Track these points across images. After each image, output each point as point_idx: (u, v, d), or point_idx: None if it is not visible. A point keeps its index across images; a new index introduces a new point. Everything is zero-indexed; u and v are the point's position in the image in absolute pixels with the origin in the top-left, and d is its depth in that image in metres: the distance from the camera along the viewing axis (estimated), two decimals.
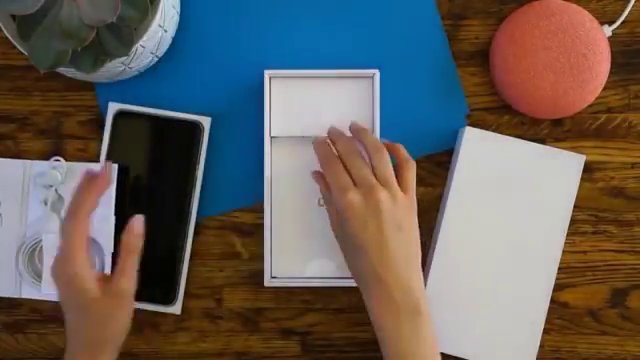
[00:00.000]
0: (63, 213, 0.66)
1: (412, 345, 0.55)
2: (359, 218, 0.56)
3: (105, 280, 0.55)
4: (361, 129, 0.61)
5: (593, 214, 0.68)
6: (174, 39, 0.67)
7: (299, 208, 0.65)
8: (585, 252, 0.68)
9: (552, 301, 0.66)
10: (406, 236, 0.57)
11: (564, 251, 0.65)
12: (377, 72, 0.65)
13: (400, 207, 0.57)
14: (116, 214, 0.66)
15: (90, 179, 0.55)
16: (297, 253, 0.65)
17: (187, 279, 0.67)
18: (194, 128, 0.67)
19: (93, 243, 0.66)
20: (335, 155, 0.60)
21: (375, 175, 0.58)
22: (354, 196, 0.56)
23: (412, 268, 0.57)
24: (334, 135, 0.61)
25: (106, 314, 0.54)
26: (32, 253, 0.66)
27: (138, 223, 0.57)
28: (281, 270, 0.66)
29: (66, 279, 0.54)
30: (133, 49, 0.58)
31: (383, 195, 0.56)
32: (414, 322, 0.55)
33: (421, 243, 0.66)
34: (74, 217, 0.55)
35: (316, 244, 0.65)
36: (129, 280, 0.55)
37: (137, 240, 0.56)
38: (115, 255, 0.66)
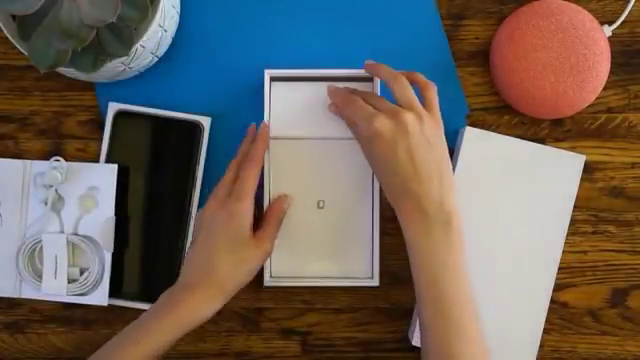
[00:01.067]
0: (63, 213, 0.66)
1: (441, 253, 0.56)
2: (389, 141, 0.56)
3: (258, 234, 0.60)
4: (375, 64, 0.62)
5: (593, 214, 0.68)
6: (174, 39, 0.67)
7: (299, 209, 0.65)
8: (585, 252, 0.68)
9: (552, 301, 0.66)
10: (436, 152, 0.58)
11: (564, 251, 0.65)
12: None
13: (427, 125, 0.58)
14: (116, 214, 0.66)
15: (255, 131, 0.64)
16: (297, 254, 0.65)
17: None
18: (194, 128, 0.67)
19: (93, 243, 0.66)
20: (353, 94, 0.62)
21: (398, 101, 0.59)
22: (382, 121, 0.57)
23: (445, 183, 0.57)
24: (339, 89, 0.64)
25: (244, 260, 0.59)
26: (32, 253, 0.66)
27: (285, 200, 0.64)
28: (281, 270, 0.65)
29: (230, 213, 0.59)
30: (133, 49, 0.58)
31: (409, 116, 0.57)
32: (445, 232, 0.56)
33: None
34: (252, 160, 0.61)
35: (316, 245, 0.65)
36: (271, 242, 0.61)
37: (282, 212, 0.63)
38: (114, 255, 0.66)
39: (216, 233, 0.59)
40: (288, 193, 0.65)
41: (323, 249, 0.65)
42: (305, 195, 0.65)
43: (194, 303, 0.57)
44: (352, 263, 0.65)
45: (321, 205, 0.64)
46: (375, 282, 0.65)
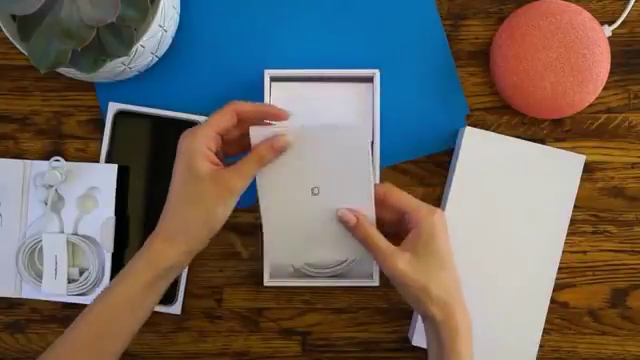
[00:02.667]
0: (63, 213, 0.66)
1: None
2: (446, 232, 0.56)
3: (219, 169, 0.54)
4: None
5: (593, 214, 0.68)
6: (174, 39, 0.67)
7: (292, 196, 0.60)
8: (585, 252, 0.68)
9: (552, 301, 0.66)
10: None
11: (564, 251, 0.66)
12: (377, 72, 0.65)
13: None
14: (116, 214, 0.66)
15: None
16: (294, 243, 0.61)
17: (187, 279, 0.67)
18: None
19: (93, 243, 0.66)
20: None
21: (411, 203, 0.57)
22: (439, 211, 0.56)
23: None
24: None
25: (203, 198, 0.54)
26: (32, 253, 0.66)
27: (283, 139, 0.55)
28: (279, 261, 0.63)
29: (183, 149, 0.54)
30: (133, 49, 0.58)
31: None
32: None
33: None
34: (226, 106, 0.55)
35: (313, 233, 0.61)
36: (242, 179, 0.54)
37: (269, 151, 0.55)
38: (114, 255, 0.66)
39: (173, 174, 0.55)
40: (280, 174, 0.58)
41: (320, 237, 0.61)
42: (298, 181, 0.59)
43: (157, 247, 0.55)
44: (350, 250, 0.60)
45: (315, 192, 0.59)
46: (375, 282, 0.65)
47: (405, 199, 0.57)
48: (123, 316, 0.55)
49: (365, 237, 0.56)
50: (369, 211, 0.58)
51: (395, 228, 0.58)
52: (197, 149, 0.53)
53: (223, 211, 0.54)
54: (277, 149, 0.55)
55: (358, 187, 0.59)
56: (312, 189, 0.59)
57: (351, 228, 0.57)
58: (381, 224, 0.58)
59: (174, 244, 0.54)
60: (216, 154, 0.55)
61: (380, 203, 0.57)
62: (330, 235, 0.60)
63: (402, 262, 0.54)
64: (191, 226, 0.54)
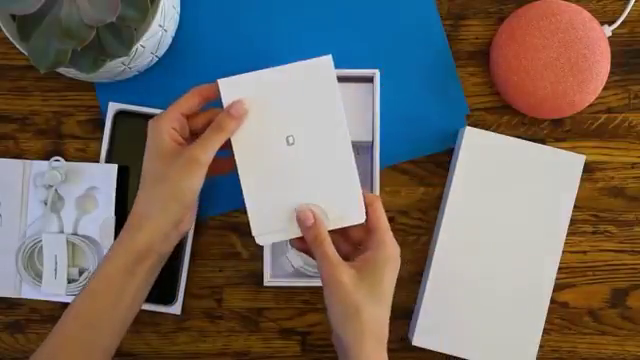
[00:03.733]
0: (63, 213, 0.66)
1: None
2: (396, 273, 0.55)
3: (183, 146, 0.54)
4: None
5: (593, 214, 0.68)
6: (174, 39, 0.67)
7: (266, 147, 0.56)
8: (585, 252, 0.68)
9: (552, 301, 0.66)
10: None
11: (564, 251, 0.65)
12: (377, 72, 0.65)
13: None
14: (116, 214, 0.66)
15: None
16: (273, 199, 0.56)
17: (187, 279, 0.67)
18: None
19: (93, 243, 0.66)
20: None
21: (382, 225, 0.56)
22: (399, 252, 0.55)
23: None
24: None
25: (168, 175, 0.53)
26: (32, 253, 0.66)
27: (239, 106, 0.54)
28: (263, 222, 0.56)
29: (149, 132, 0.55)
30: (133, 49, 0.58)
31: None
32: None
33: (422, 243, 0.66)
34: (191, 90, 0.56)
35: (291, 186, 0.56)
36: (204, 150, 0.53)
37: (227, 120, 0.53)
38: None
39: (144, 158, 0.56)
40: (252, 129, 0.55)
41: (300, 190, 0.56)
42: (272, 132, 0.56)
43: (129, 231, 0.54)
44: (334, 201, 0.56)
45: (291, 141, 0.56)
46: None
47: (383, 218, 0.55)
48: (106, 305, 0.54)
49: (315, 240, 0.54)
50: (347, 154, 0.55)
51: (350, 244, 0.57)
52: (161, 130, 0.54)
53: (190, 184, 0.53)
54: (236, 117, 0.54)
55: (332, 129, 0.56)
56: (287, 138, 0.55)
57: (305, 228, 0.54)
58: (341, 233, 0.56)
59: (145, 226, 0.54)
60: (183, 136, 0.55)
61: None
62: (310, 188, 0.56)
63: (347, 276, 0.52)
64: (160, 205, 0.54)
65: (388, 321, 0.54)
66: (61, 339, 0.54)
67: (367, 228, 0.55)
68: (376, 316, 0.53)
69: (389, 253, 0.54)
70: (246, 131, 0.55)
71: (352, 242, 0.56)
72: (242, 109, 0.54)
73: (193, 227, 0.67)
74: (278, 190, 0.56)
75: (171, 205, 0.53)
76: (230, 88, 0.55)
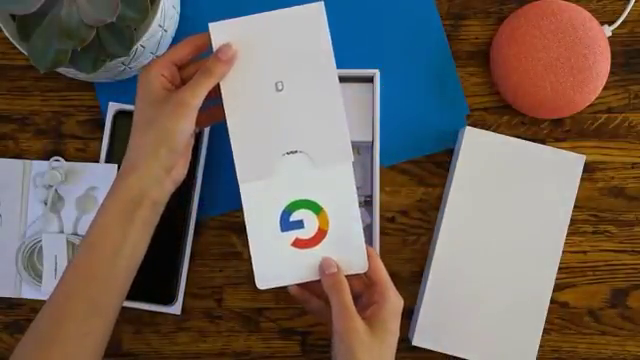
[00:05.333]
0: (63, 213, 0.66)
1: None
2: (398, 323, 0.55)
3: (172, 90, 0.54)
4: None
5: (593, 214, 0.68)
6: (174, 39, 0.67)
7: (254, 93, 0.55)
8: (585, 252, 0.68)
9: (552, 301, 0.66)
10: None
11: (564, 251, 0.65)
12: (377, 72, 0.65)
13: None
14: None
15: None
16: (261, 148, 0.55)
17: (187, 279, 0.67)
18: None
19: None
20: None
21: (384, 278, 0.56)
22: (402, 302, 0.56)
23: None
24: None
25: (157, 119, 0.53)
26: (32, 253, 0.66)
27: (227, 49, 0.54)
28: (249, 171, 0.55)
29: (139, 81, 0.54)
30: (133, 49, 0.58)
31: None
32: None
33: (422, 243, 0.66)
34: (183, 40, 0.55)
35: (281, 135, 0.55)
36: (193, 93, 0.52)
37: (216, 64, 0.53)
38: None
39: (134, 105, 0.55)
40: (240, 73, 0.55)
41: (288, 136, 0.55)
42: (261, 76, 0.55)
43: (120, 179, 0.54)
44: (323, 147, 0.55)
45: (280, 87, 0.55)
46: None
47: (384, 272, 0.56)
48: (105, 256, 0.53)
49: (334, 286, 0.54)
50: (338, 108, 0.55)
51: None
52: (150, 76, 0.54)
53: (179, 127, 0.52)
54: (225, 61, 0.53)
55: (321, 76, 0.55)
56: (276, 84, 0.55)
57: (327, 275, 0.54)
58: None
59: (136, 171, 0.53)
60: (173, 83, 0.55)
61: None
62: (300, 136, 0.55)
63: (362, 328, 0.53)
64: (150, 149, 0.53)
65: None
66: (63, 297, 0.53)
67: (368, 281, 0.56)
68: None
69: (395, 307, 0.55)
70: (235, 76, 0.54)
71: (353, 295, 0.55)
72: (230, 53, 0.54)
73: (192, 227, 0.67)
74: (265, 136, 0.55)
75: (161, 149, 0.53)
76: (220, 33, 0.54)
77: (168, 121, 0.52)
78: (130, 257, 0.54)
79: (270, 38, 0.55)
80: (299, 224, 0.55)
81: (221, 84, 0.54)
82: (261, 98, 0.55)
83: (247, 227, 0.55)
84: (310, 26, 0.55)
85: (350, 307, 0.53)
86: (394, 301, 0.55)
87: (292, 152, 0.55)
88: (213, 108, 0.57)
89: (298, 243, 0.56)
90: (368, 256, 0.56)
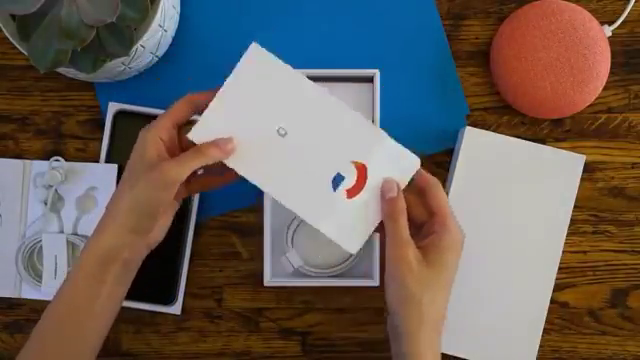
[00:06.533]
0: (63, 213, 0.66)
1: None
2: (459, 258, 0.54)
3: (163, 158, 0.53)
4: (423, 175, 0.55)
5: (593, 214, 0.68)
6: (174, 39, 0.67)
7: (256, 137, 0.54)
8: (585, 252, 0.68)
9: (552, 301, 0.66)
10: None
11: (564, 251, 0.65)
12: (377, 72, 0.65)
13: None
14: None
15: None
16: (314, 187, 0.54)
17: (187, 279, 0.67)
18: None
19: None
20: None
21: (444, 206, 0.55)
22: (463, 236, 0.54)
23: None
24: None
25: (137, 184, 0.52)
26: (32, 253, 0.66)
27: (228, 142, 0.53)
28: (318, 214, 0.54)
29: (138, 138, 0.54)
30: (133, 49, 0.58)
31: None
32: None
33: None
34: (184, 97, 0.55)
35: (281, 176, 0.54)
36: (178, 170, 0.51)
37: (214, 150, 0.52)
38: None
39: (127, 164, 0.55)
40: (240, 117, 0.54)
41: (287, 178, 0.55)
42: (262, 120, 0.54)
43: (94, 234, 0.53)
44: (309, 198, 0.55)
45: (282, 134, 0.54)
46: (375, 282, 0.65)
47: (445, 203, 0.54)
48: (74, 319, 0.53)
49: (393, 214, 0.52)
50: (343, 109, 0.54)
51: (413, 226, 0.55)
52: (146, 140, 0.53)
53: (155, 197, 0.52)
54: (221, 149, 0.53)
55: (328, 123, 0.54)
56: (278, 129, 0.54)
57: (387, 200, 0.53)
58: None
59: (107, 230, 0.53)
60: (171, 147, 0.54)
61: (417, 193, 0.55)
62: (297, 177, 0.54)
63: (414, 257, 0.51)
64: (123, 211, 0.52)
65: (447, 306, 0.54)
66: (38, 344, 0.53)
67: (429, 211, 0.54)
68: (437, 302, 0.52)
69: (454, 238, 0.53)
70: (235, 114, 0.54)
71: (415, 225, 0.55)
72: (229, 147, 0.53)
73: (192, 227, 0.67)
74: (303, 179, 0.54)
75: (133, 214, 0.52)
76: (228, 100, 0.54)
77: (146, 190, 0.52)
78: (99, 316, 0.53)
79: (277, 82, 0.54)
80: (339, 177, 0.54)
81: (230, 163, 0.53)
82: (262, 139, 0.54)
83: (307, 217, 0.54)
84: (265, 68, 0.54)
85: (402, 234, 0.52)
86: (454, 232, 0.53)
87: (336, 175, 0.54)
88: (206, 178, 0.57)
89: (351, 193, 0.54)
90: (428, 185, 0.54)
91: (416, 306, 0.52)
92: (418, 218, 0.55)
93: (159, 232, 0.55)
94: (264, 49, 0.54)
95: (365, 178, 0.54)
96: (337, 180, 0.54)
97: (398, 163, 0.54)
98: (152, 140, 0.53)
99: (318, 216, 0.54)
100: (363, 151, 0.54)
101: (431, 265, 0.52)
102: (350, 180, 0.54)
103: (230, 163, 0.53)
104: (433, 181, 0.54)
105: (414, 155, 0.54)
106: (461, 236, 0.54)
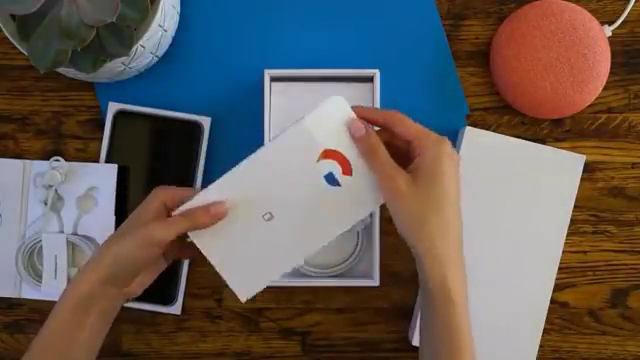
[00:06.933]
0: (63, 213, 0.66)
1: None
2: (454, 167, 0.52)
3: (161, 218, 0.53)
4: (367, 108, 0.54)
5: (593, 214, 0.68)
6: (174, 39, 0.67)
7: (241, 221, 0.54)
8: (585, 252, 0.68)
9: (552, 301, 0.66)
10: None
11: (564, 251, 0.65)
12: (377, 72, 0.65)
13: None
14: (116, 214, 0.66)
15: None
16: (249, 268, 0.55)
17: (187, 279, 0.67)
18: (194, 128, 0.67)
19: (93, 243, 0.66)
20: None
21: (418, 133, 0.53)
22: (447, 142, 0.52)
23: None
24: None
25: (124, 237, 0.52)
26: (32, 253, 0.66)
27: (220, 207, 0.53)
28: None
29: (154, 189, 0.54)
30: (133, 49, 0.58)
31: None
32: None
33: None
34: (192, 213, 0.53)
35: (265, 260, 0.55)
36: (163, 231, 0.51)
37: (204, 215, 0.52)
38: None
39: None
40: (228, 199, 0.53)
41: (274, 263, 0.55)
42: (249, 205, 0.54)
43: (76, 275, 0.54)
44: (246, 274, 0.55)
45: (267, 217, 0.54)
46: (375, 282, 0.65)
47: (413, 127, 0.53)
48: (55, 352, 0.53)
49: (371, 148, 0.52)
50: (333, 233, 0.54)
51: (402, 160, 0.53)
52: (152, 200, 0.54)
53: (135, 255, 0.52)
54: (214, 215, 0.53)
55: (313, 209, 0.54)
56: (264, 215, 0.54)
57: (357, 139, 0.52)
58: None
59: (85, 277, 0.53)
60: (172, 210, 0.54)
61: (388, 130, 0.54)
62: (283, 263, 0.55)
63: (405, 184, 0.51)
64: (103, 260, 0.53)
65: (460, 222, 0.53)
66: None
67: (404, 143, 0.53)
68: (444, 220, 0.51)
69: (437, 148, 0.52)
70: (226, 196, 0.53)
71: (401, 155, 0.53)
72: (222, 211, 0.53)
73: None
74: (248, 259, 0.54)
75: (112, 266, 0.53)
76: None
77: (130, 246, 0.52)
78: (79, 356, 0.54)
79: (267, 168, 0.54)
80: (330, 176, 0.54)
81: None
82: (246, 223, 0.54)
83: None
84: (299, 147, 0.53)
85: (386, 165, 0.51)
86: (432, 146, 0.52)
87: None
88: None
89: (346, 171, 0.54)
90: (392, 121, 0.53)
91: (425, 229, 0.51)
92: (403, 147, 0.54)
93: (138, 288, 0.55)
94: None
95: (336, 153, 0.54)
96: (329, 179, 0.54)
97: (334, 117, 0.53)
98: (156, 202, 0.54)
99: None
100: (315, 140, 0.53)
101: (424, 183, 0.51)
102: (337, 169, 0.54)
103: (194, 237, 0.53)
104: (396, 116, 0.53)
105: (331, 98, 0.53)
106: (441, 146, 0.52)
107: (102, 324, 0.55)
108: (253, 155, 0.53)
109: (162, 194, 0.54)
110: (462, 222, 0.54)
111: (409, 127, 0.53)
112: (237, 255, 0.54)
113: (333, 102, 0.53)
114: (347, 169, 0.54)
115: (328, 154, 0.54)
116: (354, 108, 0.53)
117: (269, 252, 0.55)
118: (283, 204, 0.54)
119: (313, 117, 0.53)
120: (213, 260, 0.54)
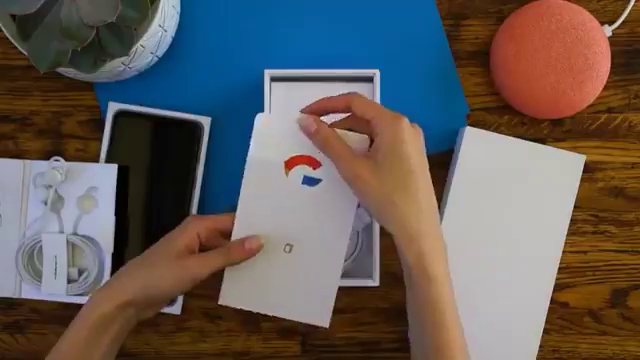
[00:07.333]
0: (63, 213, 0.66)
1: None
2: (415, 142, 0.52)
3: (189, 254, 0.55)
4: (322, 101, 0.55)
5: (593, 214, 0.68)
6: (174, 39, 0.67)
7: (265, 262, 0.57)
8: (585, 252, 0.68)
9: (552, 301, 0.66)
10: None
11: (564, 251, 0.66)
12: (377, 72, 0.65)
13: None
14: (116, 214, 0.66)
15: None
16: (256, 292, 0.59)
17: None
18: (194, 128, 0.67)
19: (93, 243, 0.66)
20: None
21: (373, 111, 0.53)
22: (405, 120, 0.52)
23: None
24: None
25: (156, 266, 0.54)
26: (32, 253, 0.66)
27: (255, 241, 0.55)
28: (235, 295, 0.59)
29: (183, 222, 0.56)
30: (133, 49, 0.58)
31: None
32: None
33: None
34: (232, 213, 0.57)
35: (280, 291, 0.59)
36: (202, 270, 0.54)
37: (239, 251, 0.55)
38: (114, 255, 0.66)
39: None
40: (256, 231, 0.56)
41: (286, 295, 0.59)
42: (270, 236, 0.57)
43: (95, 294, 0.54)
44: (307, 306, 0.59)
45: (287, 250, 0.57)
46: (375, 282, 0.65)
47: (370, 107, 0.53)
48: None
49: (324, 142, 0.53)
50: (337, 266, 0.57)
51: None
52: (187, 228, 0.55)
53: (167, 286, 0.54)
54: (249, 251, 0.55)
55: (334, 245, 0.57)
56: (285, 246, 0.57)
57: (310, 134, 0.53)
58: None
59: (107, 294, 0.54)
60: (203, 245, 0.56)
61: (348, 112, 0.55)
62: (295, 294, 0.58)
63: (360, 167, 0.51)
64: (130, 281, 0.54)
65: (430, 192, 0.52)
66: None
67: (365, 123, 0.53)
68: (412, 197, 0.51)
69: (392, 129, 0.51)
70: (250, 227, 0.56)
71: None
72: (256, 245, 0.55)
73: None
74: (264, 288, 0.58)
75: (142, 292, 0.53)
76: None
77: (159, 276, 0.53)
78: None
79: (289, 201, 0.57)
80: (306, 179, 0.56)
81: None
82: (267, 254, 0.56)
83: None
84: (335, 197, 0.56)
85: (342, 153, 0.52)
86: (388, 125, 0.51)
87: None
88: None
89: (315, 164, 0.56)
90: (349, 104, 0.53)
91: (393, 209, 0.51)
92: (365, 131, 0.54)
93: (152, 312, 0.57)
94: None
95: (295, 158, 0.56)
96: (307, 181, 0.56)
97: (275, 130, 0.56)
98: (190, 232, 0.55)
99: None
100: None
101: (385, 164, 0.51)
102: (306, 169, 0.56)
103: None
104: (352, 97, 0.54)
105: (256, 117, 0.55)
106: (402, 121, 0.52)
107: (117, 343, 0.55)
108: (239, 200, 0.57)
109: (197, 224, 0.55)
110: (433, 191, 0.53)
111: (365, 106, 0.53)
112: (254, 275, 0.57)
113: (258, 120, 0.56)
114: (314, 162, 0.56)
115: (289, 163, 0.56)
116: (309, 106, 0.55)
117: (291, 286, 0.57)
118: (292, 229, 0.57)
119: (253, 144, 0.56)
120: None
